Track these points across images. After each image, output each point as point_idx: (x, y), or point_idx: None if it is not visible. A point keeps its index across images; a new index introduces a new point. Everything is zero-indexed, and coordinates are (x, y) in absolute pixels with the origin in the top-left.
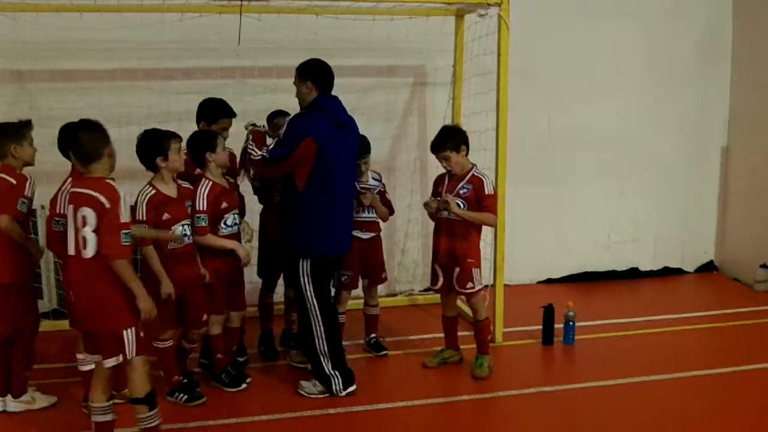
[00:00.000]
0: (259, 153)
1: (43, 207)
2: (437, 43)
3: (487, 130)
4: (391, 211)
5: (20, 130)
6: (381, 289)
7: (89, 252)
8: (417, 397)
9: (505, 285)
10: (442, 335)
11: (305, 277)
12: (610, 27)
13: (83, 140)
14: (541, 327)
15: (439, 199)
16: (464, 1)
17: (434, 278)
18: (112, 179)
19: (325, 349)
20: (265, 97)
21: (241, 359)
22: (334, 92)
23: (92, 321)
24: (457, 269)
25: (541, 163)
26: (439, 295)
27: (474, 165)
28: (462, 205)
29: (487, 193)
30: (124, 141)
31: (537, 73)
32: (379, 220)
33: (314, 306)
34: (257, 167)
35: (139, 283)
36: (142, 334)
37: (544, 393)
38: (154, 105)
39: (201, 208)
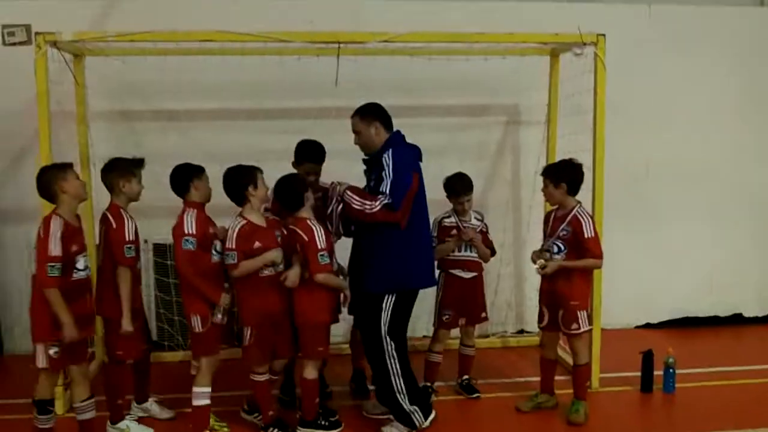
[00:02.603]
0: (376, 203)
1: (146, 241)
2: (531, 81)
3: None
4: (493, 252)
5: (131, 166)
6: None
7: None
8: None
9: (601, 329)
10: (535, 379)
11: (386, 312)
12: (706, 60)
13: (39, 178)
14: (639, 373)
15: (540, 256)
16: (559, 41)
17: (540, 317)
18: (57, 214)
19: (402, 386)
20: None
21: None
22: (428, 131)
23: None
24: (562, 311)
25: (638, 203)
26: (531, 338)
27: (578, 203)
28: (562, 247)
29: (586, 236)
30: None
31: (632, 110)
32: (481, 260)
33: (389, 343)
34: (377, 217)
35: (63, 310)
36: (53, 351)
37: None
38: (253, 144)
39: (321, 247)
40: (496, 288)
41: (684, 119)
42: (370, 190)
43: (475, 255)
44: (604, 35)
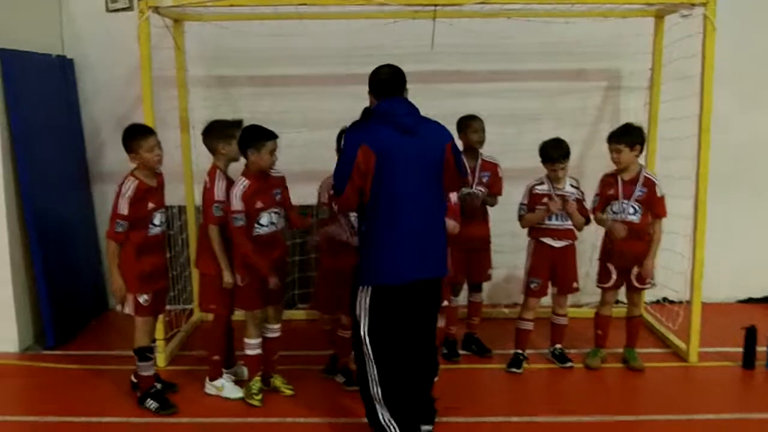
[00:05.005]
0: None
1: None
2: (633, 45)
3: (687, 137)
4: (588, 221)
5: (229, 128)
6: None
7: None
8: (600, 413)
9: (702, 303)
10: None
11: (361, 308)
12: None
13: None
14: (741, 349)
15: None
16: (666, 2)
17: (606, 276)
18: (133, 175)
19: (380, 395)
20: (453, 102)
21: None
22: (524, 96)
23: None
24: (637, 267)
25: (743, 173)
26: (625, 310)
27: (642, 166)
28: (637, 209)
29: (659, 195)
30: (315, 143)
31: (741, 76)
32: (574, 228)
33: (367, 344)
34: (335, 206)
35: (114, 264)
36: (143, 300)
37: (744, 420)
38: (346, 110)
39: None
40: (591, 257)
41: None
42: None
43: (569, 223)
44: None
